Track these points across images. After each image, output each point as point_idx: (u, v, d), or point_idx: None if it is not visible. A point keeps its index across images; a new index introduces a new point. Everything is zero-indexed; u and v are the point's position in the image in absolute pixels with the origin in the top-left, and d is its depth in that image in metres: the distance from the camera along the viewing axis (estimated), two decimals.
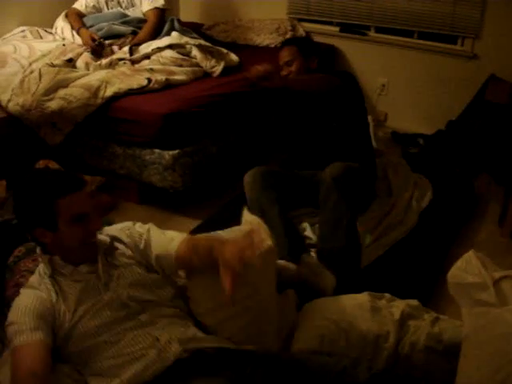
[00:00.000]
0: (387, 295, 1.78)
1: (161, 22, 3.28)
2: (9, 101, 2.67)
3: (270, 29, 3.89)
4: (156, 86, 2.74)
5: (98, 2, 3.36)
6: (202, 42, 3.16)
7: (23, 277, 1.63)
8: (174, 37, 3.13)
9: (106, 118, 2.64)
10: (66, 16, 3.34)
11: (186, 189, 2.63)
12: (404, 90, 3.78)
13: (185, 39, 3.11)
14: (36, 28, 3.36)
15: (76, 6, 3.36)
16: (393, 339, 1.57)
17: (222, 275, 1.29)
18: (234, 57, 3.21)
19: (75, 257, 1.42)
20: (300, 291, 1.84)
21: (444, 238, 2.40)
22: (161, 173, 2.57)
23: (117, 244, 1.51)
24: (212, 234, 2.26)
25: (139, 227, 1.55)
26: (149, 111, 2.54)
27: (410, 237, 2.36)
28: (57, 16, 3.39)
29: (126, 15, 3.33)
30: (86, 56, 2.99)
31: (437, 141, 3.37)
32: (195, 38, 3.21)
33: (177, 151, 2.53)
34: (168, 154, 2.53)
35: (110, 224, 1.64)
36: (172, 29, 3.23)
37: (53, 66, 2.82)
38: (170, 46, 3.04)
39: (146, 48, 3.08)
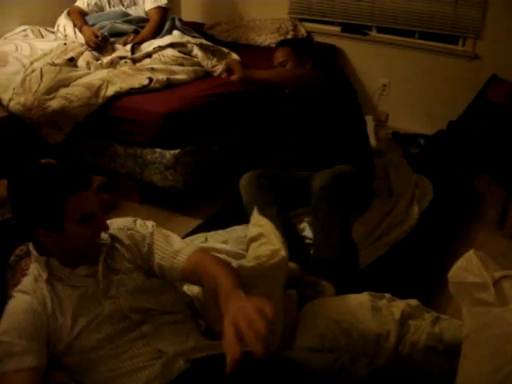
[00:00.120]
0: (388, 295, 1.78)
1: (164, 20, 3.28)
2: (10, 100, 2.67)
3: (272, 28, 3.90)
4: (157, 85, 2.74)
5: (99, 0, 3.36)
6: (204, 41, 3.16)
7: (24, 276, 1.62)
8: (176, 35, 3.13)
9: (107, 118, 2.65)
10: (68, 14, 3.34)
11: (186, 188, 2.63)
12: (405, 90, 3.78)
13: (186, 38, 3.11)
14: (37, 27, 3.37)
15: (78, 4, 3.37)
16: (393, 338, 1.58)
17: (223, 334, 1.05)
18: (235, 56, 3.20)
19: (76, 258, 1.34)
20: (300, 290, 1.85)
21: (445, 237, 2.40)
22: (162, 172, 2.57)
23: (117, 245, 1.41)
24: (213, 233, 2.29)
25: (141, 227, 1.46)
26: (150, 110, 2.54)
27: (411, 237, 2.36)
28: (58, 15, 3.40)
29: (127, 14, 3.33)
30: (88, 55, 3.00)
31: (438, 141, 3.37)
32: (196, 37, 3.21)
33: (178, 151, 2.53)
34: (169, 154, 2.53)
35: None
36: (173, 27, 3.23)
37: (54, 65, 2.82)
38: (172, 45, 3.04)
39: (147, 47, 3.08)
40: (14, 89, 2.69)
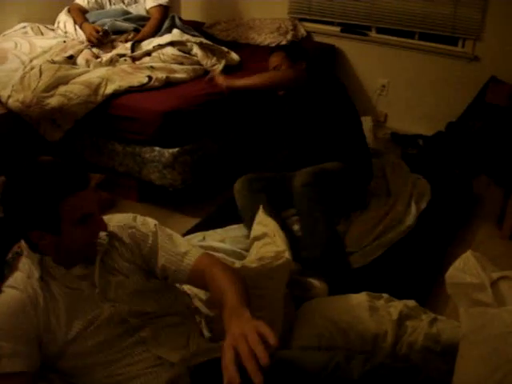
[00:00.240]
0: (385, 295, 1.79)
1: (164, 19, 3.29)
2: (9, 97, 2.66)
3: (271, 28, 3.90)
4: (156, 83, 2.74)
5: None
6: (203, 40, 3.16)
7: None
8: (175, 34, 3.13)
9: (106, 116, 2.64)
10: (69, 11, 3.34)
11: (185, 187, 2.63)
12: (404, 90, 3.78)
13: (186, 37, 3.11)
14: (37, 24, 3.36)
15: (78, 1, 3.36)
16: (391, 339, 1.58)
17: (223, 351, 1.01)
18: (234, 56, 3.21)
19: (71, 259, 1.27)
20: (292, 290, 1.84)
21: (442, 238, 2.40)
22: (160, 171, 2.57)
23: (116, 243, 1.34)
24: (211, 231, 2.29)
25: (142, 225, 1.39)
26: (149, 109, 2.54)
27: (409, 237, 2.37)
28: (58, 13, 3.38)
29: (128, 12, 3.33)
30: (87, 53, 2.99)
31: (436, 142, 3.37)
32: (196, 35, 3.21)
33: (176, 149, 2.53)
34: (168, 152, 2.53)
35: None
36: (173, 26, 3.23)
37: (53, 62, 2.81)
38: (171, 43, 3.04)
39: (147, 45, 3.08)
40: (12, 86, 2.69)
